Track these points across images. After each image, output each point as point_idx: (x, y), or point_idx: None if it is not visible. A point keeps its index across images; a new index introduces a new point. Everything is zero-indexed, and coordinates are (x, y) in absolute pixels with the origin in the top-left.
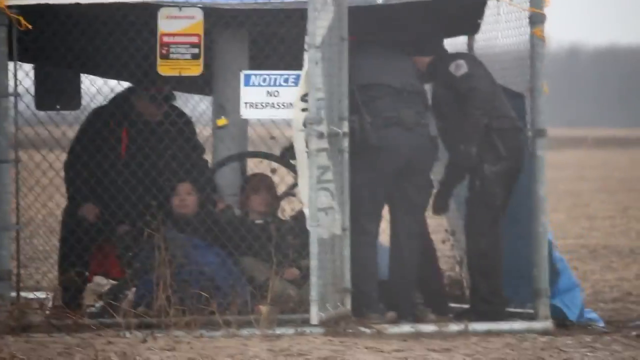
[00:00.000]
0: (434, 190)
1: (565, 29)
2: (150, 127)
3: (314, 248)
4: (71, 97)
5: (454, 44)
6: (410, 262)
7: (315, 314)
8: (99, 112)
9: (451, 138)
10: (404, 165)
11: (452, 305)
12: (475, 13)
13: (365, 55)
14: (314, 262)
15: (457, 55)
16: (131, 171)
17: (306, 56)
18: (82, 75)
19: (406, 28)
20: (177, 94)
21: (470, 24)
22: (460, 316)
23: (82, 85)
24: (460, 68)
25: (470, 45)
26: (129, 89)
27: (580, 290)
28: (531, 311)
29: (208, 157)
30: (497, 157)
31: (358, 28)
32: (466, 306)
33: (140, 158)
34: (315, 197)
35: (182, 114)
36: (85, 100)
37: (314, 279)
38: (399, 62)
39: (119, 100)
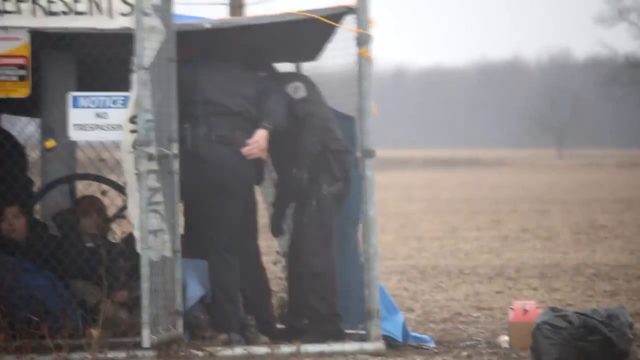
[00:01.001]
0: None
1: (390, 49)
2: None
3: (144, 271)
4: None
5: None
6: (227, 281)
7: (147, 337)
8: None
9: (283, 159)
10: (225, 182)
11: (281, 326)
12: (316, 42)
13: (208, 70)
14: (145, 285)
15: (292, 76)
16: None
17: (134, 77)
18: None
19: (240, 51)
20: (5, 116)
21: (309, 52)
22: (299, 337)
23: None
24: (298, 91)
25: (298, 65)
26: None
27: (398, 313)
28: (363, 332)
29: (37, 179)
30: (334, 179)
31: (192, 46)
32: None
33: None
34: (145, 219)
35: (9, 136)
36: None
37: (145, 302)
38: (240, 84)
39: None
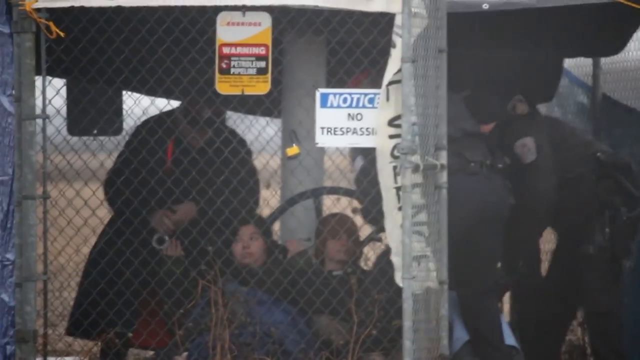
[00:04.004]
0: None
1: None
2: (203, 155)
3: (407, 306)
4: (111, 120)
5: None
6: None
7: None
8: None
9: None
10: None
11: None
12: (622, 31)
13: None
14: (407, 323)
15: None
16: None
17: None
18: (124, 93)
19: (518, 45)
20: (240, 116)
21: (611, 44)
22: None
23: (124, 106)
24: (528, 152)
25: (596, 60)
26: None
27: None
28: None
29: (277, 193)
30: (633, 198)
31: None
32: None
33: (195, 194)
34: (408, 242)
35: (242, 141)
36: (127, 124)
37: (407, 344)
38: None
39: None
